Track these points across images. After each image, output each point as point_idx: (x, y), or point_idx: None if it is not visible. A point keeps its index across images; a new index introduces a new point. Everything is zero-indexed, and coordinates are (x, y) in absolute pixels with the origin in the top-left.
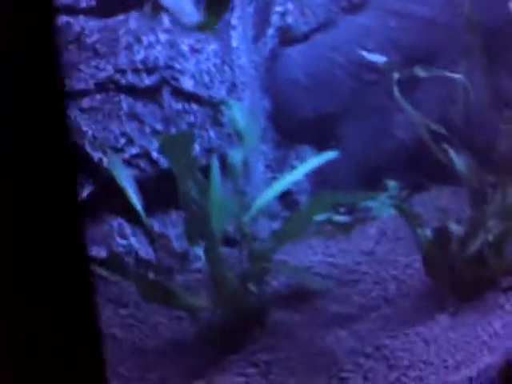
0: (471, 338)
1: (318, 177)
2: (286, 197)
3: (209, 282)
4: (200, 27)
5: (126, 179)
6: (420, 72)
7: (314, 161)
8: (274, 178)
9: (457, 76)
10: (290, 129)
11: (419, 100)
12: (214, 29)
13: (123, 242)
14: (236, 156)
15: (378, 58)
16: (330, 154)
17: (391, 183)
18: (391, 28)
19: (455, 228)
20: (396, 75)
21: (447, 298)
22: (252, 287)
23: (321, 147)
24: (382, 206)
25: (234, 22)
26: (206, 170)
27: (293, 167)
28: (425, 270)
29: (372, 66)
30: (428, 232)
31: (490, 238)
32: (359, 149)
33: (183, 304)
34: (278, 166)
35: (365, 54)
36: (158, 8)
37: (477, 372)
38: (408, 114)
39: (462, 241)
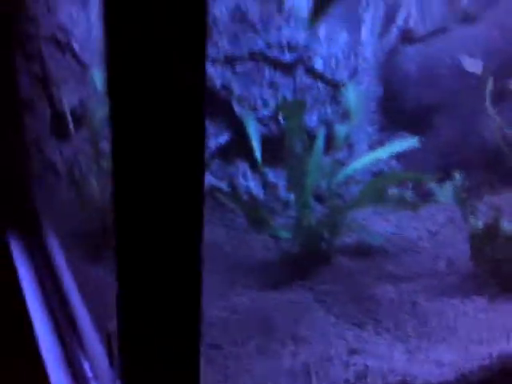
0: (498, 324)
1: (408, 158)
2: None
3: (296, 222)
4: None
5: (254, 134)
6: None
7: (399, 145)
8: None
9: None
10: (395, 115)
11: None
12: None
13: (243, 182)
14: (341, 130)
15: (475, 64)
16: (412, 141)
17: (457, 174)
18: (497, 39)
19: (506, 226)
20: (490, 83)
21: (487, 284)
22: (326, 234)
23: (417, 134)
24: (443, 191)
25: (366, 19)
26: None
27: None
28: (471, 257)
29: (471, 72)
30: (480, 223)
31: None
32: (448, 140)
33: (273, 233)
34: (380, 147)
35: (462, 60)
36: None
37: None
38: (492, 119)
39: (509, 238)
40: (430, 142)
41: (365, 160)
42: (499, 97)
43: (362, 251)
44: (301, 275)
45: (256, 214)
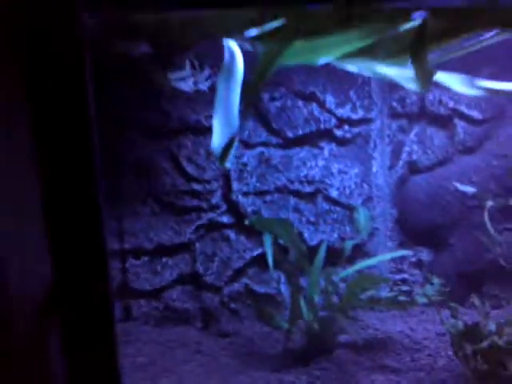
0: None
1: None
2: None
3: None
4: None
5: (269, 250)
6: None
7: (391, 255)
8: (396, 269)
9: None
10: (412, 233)
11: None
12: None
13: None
14: (348, 244)
15: (468, 189)
16: (403, 252)
17: (436, 280)
18: (494, 167)
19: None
20: (489, 203)
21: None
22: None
23: (434, 249)
24: (423, 295)
25: (375, 155)
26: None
27: (411, 263)
28: (454, 354)
29: (472, 195)
30: (460, 324)
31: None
32: (464, 255)
33: (276, 325)
34: (401, 261)
35: (458, 185)
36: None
37: None
38: (491, 235)
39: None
40: (446, 255)
41: (360, 265)
42: (501, 213)
43: (364, 346)
44: (302, 363)
45: (264, 309)
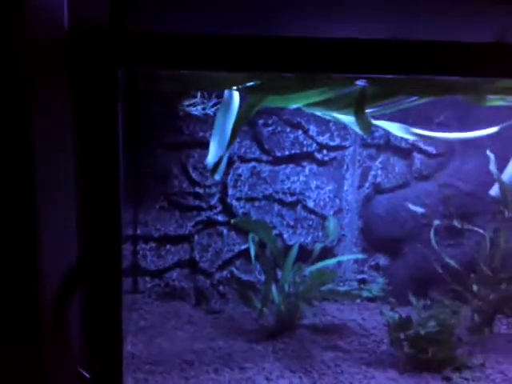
0: None
1: (387, 274)
2: None
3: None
4: None
5: (252, 248)
6: (456, 223)
7: (348, 256)
8: (358, 271)
9: (483, 232)
10: (373, 241)
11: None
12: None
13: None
14: (317, 246)
15: (418, 209)
16: (357, 256)
17: (380, 279)
18: (443, 193)
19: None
20: (436, 222)
21: (399, 363)
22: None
23: (390, 256)
24: (368, 290)
25: (347, 176)
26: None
27: (371, 267)
28: (390, 342)
29: (422, 214)
30: (396, 316)
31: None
32: (414, 263)
33: (252, 306)
34: (363, 264)
35: (410, 205)
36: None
37: None
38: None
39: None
40: (402, 263)
41: (323, 263)
42: (446, 231)
43: (321, 329)
44: (270, 337)
45: (245, 293)
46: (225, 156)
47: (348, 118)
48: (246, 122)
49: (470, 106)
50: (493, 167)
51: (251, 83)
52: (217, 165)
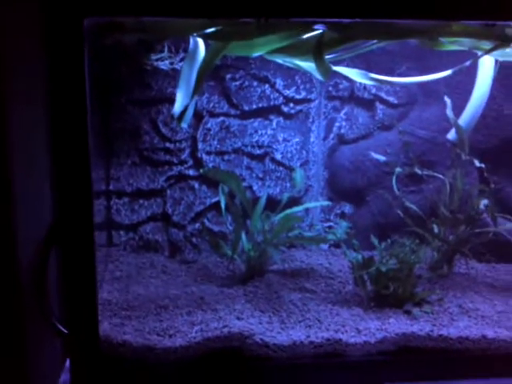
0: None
1: (352, 221)
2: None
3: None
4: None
5: (222, 198)
6: (417, 170)
7: (311, 204)
8: (325, 219)
9: (443, 177)
10: (338, 191)
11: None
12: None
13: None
14: (285, 196)
15: (380, 158)
16: (322, 203)
17: (344, 223)
18: (404, 141)
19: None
20: (398, 170)
21: (363, 302)
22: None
23: (355, 204)
24: (332, 233)
25: (313, 128)
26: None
27: (337, 215)
28: (354, 282)
29: (384, 162)
30: (360, 257)
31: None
32: (377, 210)
33: (223, 253)
34: (329, 212)
35: (372, 154)
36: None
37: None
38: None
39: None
40: (362, 209)
41: (290, 211)
42: (408, 179)
43: (290, 273)
44: (240, 282)
45: (216, 242)
46: (191, 105)
47: (308, 65)
48: (210, 70)
49: (431, 58)
50: (449, 112)
51: (212, 29)
52: (183, 113)
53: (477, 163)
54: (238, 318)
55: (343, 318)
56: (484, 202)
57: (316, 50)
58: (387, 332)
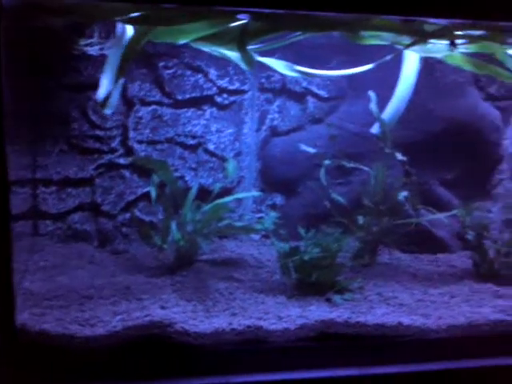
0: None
1: (283, 212)
2: None
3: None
4: None
5: (153, 188)
6: (345, 163)
7: (241, 195)
8: (257, 210)
9: (368, 169)
10: (270, 182)
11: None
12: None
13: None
14: (217, 186)
15: (310, 150)
16: (253, 193)
17: (272, 213)
18: (331, 134)
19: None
20: (327, 162)
21: (287, 289)
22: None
23: (286, 195)
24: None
25: (246, 119)
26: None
27: (268, 206)
28: (280, 270)
29: (314, 155)
30: (287, 247)
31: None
32: (308, 201)
33: (153, 243)
34: (260, 203)
35: (302, 146)
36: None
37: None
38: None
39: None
40: (297, 201)
41: (221, 201)
42: (336, 171)
43: (219, 263)
44: (169, 272)
45: (145, 232)
46: (115, 91)
47: (234, 54)
48: (134, 56)
49: (363, 52)
50: (373, 106)
51: (136, 14)
52: (106, 99)
53: (399, 156)
54: (162, 307)
55: (267, 305)
56: (403, 193)
57: (239, 39)
58: (307, 319)
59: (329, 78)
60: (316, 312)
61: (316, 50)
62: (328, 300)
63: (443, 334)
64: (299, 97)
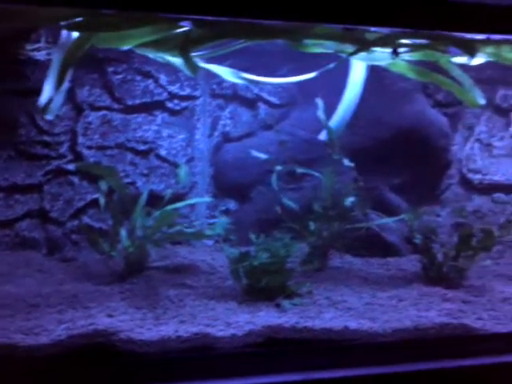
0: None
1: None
2: None
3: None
4: None
5: (102, 194)
6: (297, 168)
7: (193, 201)
8: (210, 216)
9: (318, 175)
10: (223, 187)
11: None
12: None
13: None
14: (168, 192)
15: (261, 156)
16: (205, 199)
17: (224, 219)
18: (280, 140)
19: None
20: (278, 168)
21: (243, 297)
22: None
23: (239, 201)
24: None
25: (198, 125)
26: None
27: (222, 211)
28: (230, 275)
29: (265, 160)
30: (236, 252)
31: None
32: (260, 206)
33: (102, 250)
34: (213, 209)
35: (253, 152)
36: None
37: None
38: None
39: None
40: (249, 206)
41: (172, 207)
42: (289, 177)
43: (170, 269)
44: (118, 279)
45: (95, 239)
46: (58, 96)
47: (178, 61)
48: (76, 61)
49: (312, 60)
50: (321, 113)
51: (78, 19)
52: (48, 104)
53: (346, 162)
54: (109, 316)
55: (217, 312)
56: (350, 199)
57: (182, 46)
58: (255, 325)
59: (280, 85)
60: (264, 318)
61: (268, 57)
62: (277, 305)
63: (390, 338)
64: (251, 103)
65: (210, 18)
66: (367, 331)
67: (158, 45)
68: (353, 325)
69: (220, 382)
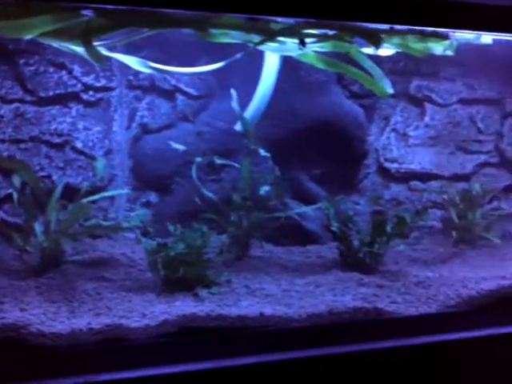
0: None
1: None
2: None
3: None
4: None
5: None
6: (216, 159)
7: (109, 193)
8: (130, 208)
9: (237, 166)
10: (143, 180)
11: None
12: None
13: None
14: (84, 185)
15: (180, 147)
16: (121, 192)
17: (142, 211)
18: (197, 132)
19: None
20: (198, 159)
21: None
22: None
23: (160, 193)
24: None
25: (115, 117)
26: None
27: (142, 204)
28: (148, 268)
29: (184, 152)
30: (154, 243)
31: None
32: (181, 198)
33: (16, 245)
34: (134, 201)
35: (172, 143)
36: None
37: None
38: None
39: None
40: (171, 198)
41: (89, 199)
42: (208, 168)
43: (88, 263)
44: (33, 274)
45: (8, 234)
46: None
47: (82, 50)
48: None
49: (230, 52)
50: (235, 104)
51: None
52: None
53: (262, 152)
54: (22, 310)
55: (134, 303)
56: (265, 188)
57: (84, 35)
58: (170, 314)
59: (198, 77)
60: (180, 307)
61: (186, 48)
62: (195, 295)
63: (304, 323)
64: (168, 94)
65: (109, 6)
66: (282, 317)
67: (60, 34)
68: (268, 311)
69: (131, 372)
